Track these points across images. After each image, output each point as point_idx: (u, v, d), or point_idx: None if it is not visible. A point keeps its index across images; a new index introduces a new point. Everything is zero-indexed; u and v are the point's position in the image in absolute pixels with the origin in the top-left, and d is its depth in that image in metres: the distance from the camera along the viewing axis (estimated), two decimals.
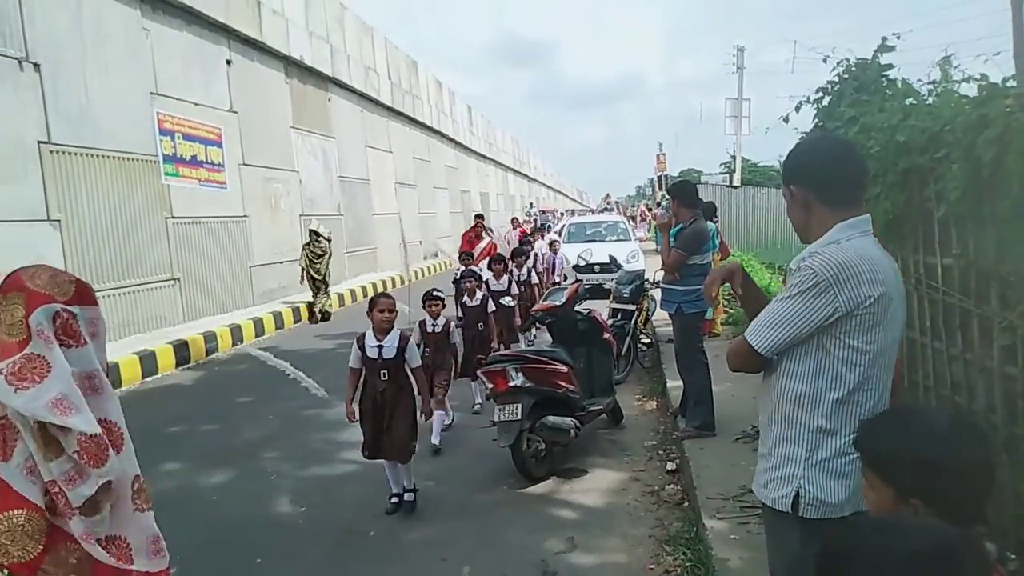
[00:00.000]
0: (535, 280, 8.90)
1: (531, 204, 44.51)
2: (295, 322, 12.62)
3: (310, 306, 12.65)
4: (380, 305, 4.46)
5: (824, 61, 5.19)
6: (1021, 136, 2.77)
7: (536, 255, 11.22)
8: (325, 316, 12.45)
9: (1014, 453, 3.10)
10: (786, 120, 5.41)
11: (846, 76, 5.12)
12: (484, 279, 7.48)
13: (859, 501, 1.80)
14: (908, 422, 1.47)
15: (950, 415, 1.58)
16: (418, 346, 5.45)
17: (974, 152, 3.06)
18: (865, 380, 1.81)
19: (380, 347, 4.42)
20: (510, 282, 7.79)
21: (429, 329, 5.90)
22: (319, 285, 12.40)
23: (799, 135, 5.23)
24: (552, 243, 12.84)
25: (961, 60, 4.48)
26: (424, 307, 5.96)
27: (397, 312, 4.50)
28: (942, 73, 4.62)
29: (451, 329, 5.99)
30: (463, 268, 7.72)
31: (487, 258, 9.53)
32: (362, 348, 4.46)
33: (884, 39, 4.98)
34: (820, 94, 5.22)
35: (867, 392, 1.82)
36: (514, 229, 17.86)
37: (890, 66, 4.93)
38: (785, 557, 1.97)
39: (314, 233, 12.55)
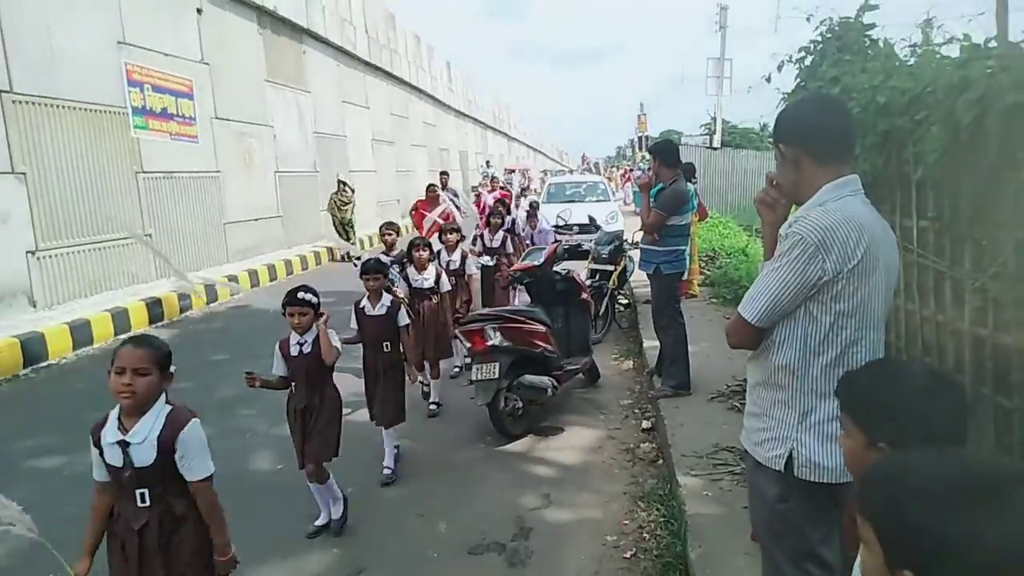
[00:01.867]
0: (471, 271, 6.62)
1: (487, 163, 33.65)
2: (271, 280, 12.49)
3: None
4: (119, 359, 2.29)
5: (808, 20, 5.14)
6: (1001, 98, 2.77)
7: (513, 223, 8.90)
8: (350, 259, 13.24)
9: (979, 413, 3.17)
10: (768, 80, 5.36)
11: (829, 35, 5.07)
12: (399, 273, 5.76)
13: None
14: (886, 370, 1.52)
15: (928, 368, 1.61)
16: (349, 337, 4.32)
17: (954, 114, 3.06)
18: (853, 343, 1.82)
19: (124, 445, 2.27)
20: (439, 275, 5.66)
21: (373, 310, 4.45)
22: (347, 230, 14.27)
23: (782, 96, 5.20)
24: (530, 210, 9.58)
25: (944, 20, 4.46)
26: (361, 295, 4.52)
27: (146, 379, 2.30)
28: (923, 36, 4.60)
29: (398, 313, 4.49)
30: (371, 257, 4.84)
31: (438, 233, 7.21)
32: (98, 444, 2.34)
33: None
34: (803, 54, 5.17)
35: (856, 354, 1.82)
36: (491, 191, 14.94)
37: (872, 26, 4.89)
38: (761, 510, 2.01)
39: (341, 183, 14.48)
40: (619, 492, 4.23)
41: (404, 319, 4.53)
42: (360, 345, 4.57)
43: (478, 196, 22.27)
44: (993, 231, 3.06)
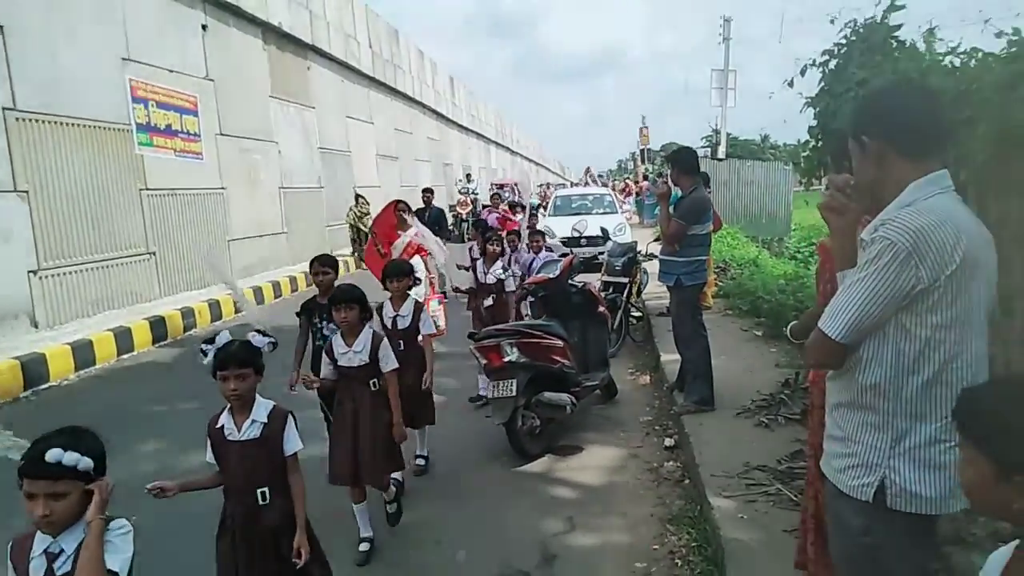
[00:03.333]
0: (427, 331, 4.45)
1: (467, 176, 26.54)
2: (275, 297, 12.33)
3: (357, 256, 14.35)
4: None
5: (831, 22, 5.03)
6: None
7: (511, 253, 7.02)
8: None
9: None
10: (791, 84, 5.25)
11: (853, 38, 4.94)
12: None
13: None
14: (1017, 390, 1.30)
15: None
16: None
17: (1004, 113, 2.90)
18: (954, 357, 1.63)
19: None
20: (376, 345, 3.59)
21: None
22: (363, 242, 14.16)
23: (805, 100, 5.06)
24: (534, 235, 7.36)
25: (970, 10, 4.32)
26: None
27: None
28: (926, 44, 4.46)
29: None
30: (235, 339, 2.81)
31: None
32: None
33: None
34: (826, 57, 5.05)
35: (958, 370, 1.63)
36: (490, 211, 12.37)
37: (899, 26, 4.77)
38: (843, 543, 1.81)
39: (359, 196, 14.75)
40: (646, 515, 4.03)
41: (294, 442, 2.73)
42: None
43: (456, 216, 19.08)
44: None
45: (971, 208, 3.37)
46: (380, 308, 4.41)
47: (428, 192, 11.62)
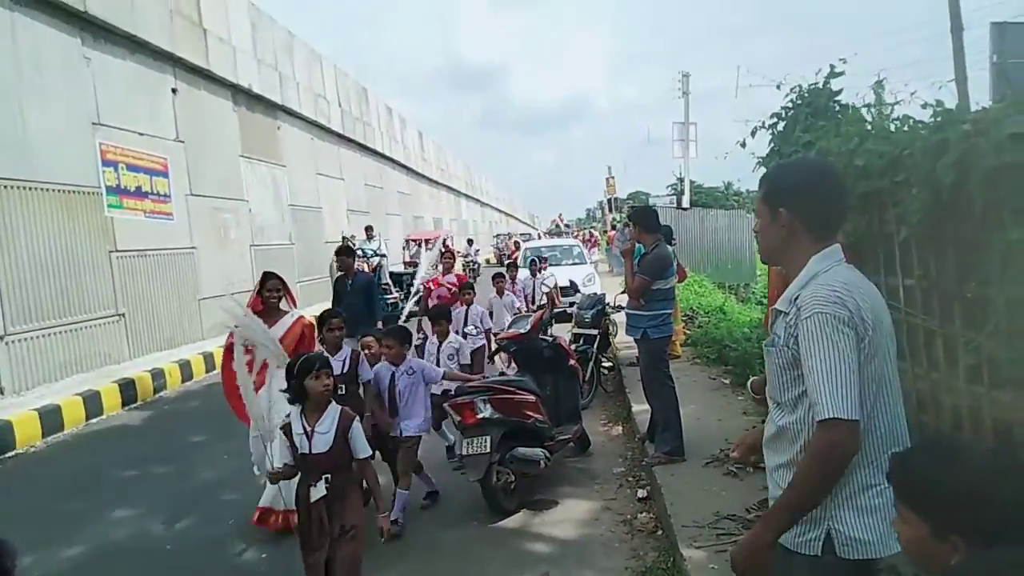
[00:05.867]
0: None
1: (366, 231, 17.48)
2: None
3: None
4: None
5: (778, 88, 5.33)
6: (980, 161, 2.84)
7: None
8: None
9: None
10: (743, 145, 5.52)
11: (799, 102, 5.25)
12: None
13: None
14: (945, 454, 1.39)
15: (989, 448, 1.55)
16: None
17: (934, 177, 3.14)
18: (873, 409, 1.77)
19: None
20: None
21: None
22: None
23: (757, 160, 5.34)
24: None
25: (897, 82, 4.66)
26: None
27: None
28: (876, 96, 4.79)
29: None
30: None
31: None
32: None
33: (832, 66, 5.14)
34: (774, 119, 5.35)
35: (877, 418, 1.78)
36: (445, 273, 8.69)
37: (840, 92, 5.09)
38: None
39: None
40: (620, 567, 4.09)
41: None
42: None
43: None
44: (983, 289, 3.09)
45: (912, 262, 3.61)
46: None
47: (345, 255, 7.68)
